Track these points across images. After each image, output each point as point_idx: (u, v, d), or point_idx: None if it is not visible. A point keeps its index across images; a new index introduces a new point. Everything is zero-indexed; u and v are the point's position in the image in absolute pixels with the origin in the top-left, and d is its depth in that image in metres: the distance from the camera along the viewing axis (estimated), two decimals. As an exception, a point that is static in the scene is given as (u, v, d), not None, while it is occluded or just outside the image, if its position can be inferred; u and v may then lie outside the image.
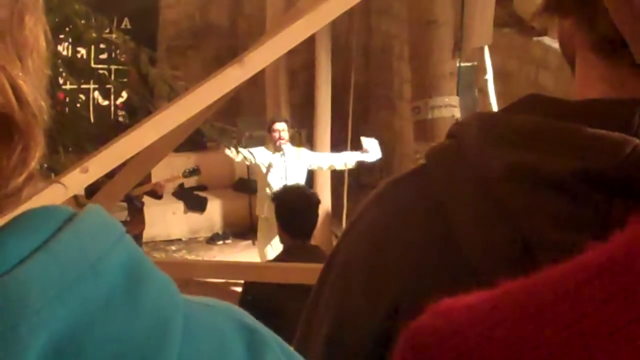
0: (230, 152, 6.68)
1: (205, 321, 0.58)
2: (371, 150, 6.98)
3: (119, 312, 0.52)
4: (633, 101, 0.66)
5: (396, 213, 0.82)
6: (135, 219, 6.97)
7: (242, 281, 4.11)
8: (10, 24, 0.51)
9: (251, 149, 6.95)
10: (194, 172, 7.79)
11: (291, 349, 0.63)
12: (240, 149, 6.57)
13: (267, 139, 7.46)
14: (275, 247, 6.32)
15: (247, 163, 7.18)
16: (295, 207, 4.67)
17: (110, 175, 3.27)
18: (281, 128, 6.97)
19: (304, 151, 7.23)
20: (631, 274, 0.36)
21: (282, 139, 6.93)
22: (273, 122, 7.08)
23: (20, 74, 0.50)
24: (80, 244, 0.52)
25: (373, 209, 0.86)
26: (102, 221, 0.55)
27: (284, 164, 6.92)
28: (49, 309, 0.49)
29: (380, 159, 7.19)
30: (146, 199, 7.25)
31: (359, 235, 0.85)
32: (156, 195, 7.33)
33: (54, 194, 2.20)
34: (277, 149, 6.94)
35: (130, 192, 6.18)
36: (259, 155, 7.01)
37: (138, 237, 7.02)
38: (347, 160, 7.10)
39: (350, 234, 0.87)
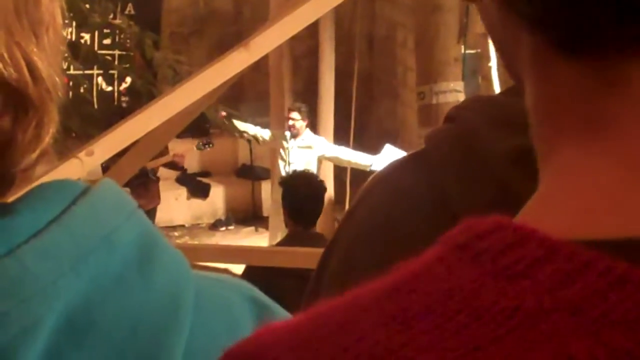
0: (248, 131, 6.67)
1: (216, 295, 0.59)
2: (389, 159, 6.92)
3: (132, 286, 0.52)
4: None
5: (397, 198, 0.82)
6: (150, 193, 6.93)
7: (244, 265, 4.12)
8: (26, 0, 0.51)
9: (264, 131, 6.97)
10: (208, 144, 7.79)
11: None
12: (247, 127, 6.56)
13: (270, 125, 7.47)
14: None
15: (260, 143, 7.17)
16: (301, 193, 4.69)
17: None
18: (293, 117, 6.98)
19: (320, 140, 7.22)
20: (412, 295, 0.36)
21: (294, 128, 6.93)
22: (290, 110, 7.09)
23: (35, 49, 0.51)
24: (94, 217, 0.52)
25: (374, 193, 0.85)
26: (116, 195, 0.56)
27: (294, 151, 6.93)
28: (64, 281, 0.49)
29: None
30: (163, 172, 7.22)
31: (361, 220, 0.85)
32: (177, 166, 7.31)
33: (70, 170, 2.21)
34: (291, 135, 6.95)
35: (146, 166, 6.14)
36: (270, 137, 7.04)
37: (152, 211, 6.99)
38: (360, 161, 7.06)
39: (352, 219, 0.87)
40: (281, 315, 0.62)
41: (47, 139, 0.52)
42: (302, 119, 7.00)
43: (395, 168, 0.85)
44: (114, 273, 0.52)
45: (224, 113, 5.69)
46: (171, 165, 7.19)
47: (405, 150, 9.07)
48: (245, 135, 6.77)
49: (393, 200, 0.82)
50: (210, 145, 7.86)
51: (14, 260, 0.48)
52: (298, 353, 0.37)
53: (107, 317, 0.51)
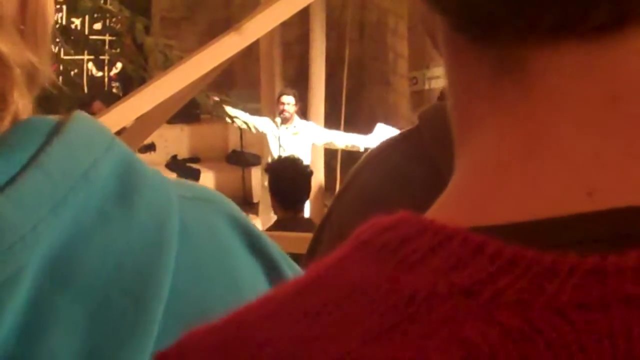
0: (237, 120, 6.65)
1: (202, 221, 0.57)
2: (378, 135, 6.94)
3: (114, 221, 0.51)
4: None
5: (388, 175, 0.82)
6: None
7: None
8: None
9: (255, 119, 6.93)
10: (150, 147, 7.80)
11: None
12: (239, 114, 6.54)
13: (261, 112, 7.44)
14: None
15: (253, 131, 7.14)
16: (287, 178, 4.69)
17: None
18: (287, 101, 6.92)
19: (311, 126, 7.20)
20: (321, 291, 0.37)
21: (285, 112, 6.89)
22: (281, 94, 7.04)
23: None
24: (71, 154, 0.51)
25: (366, 170, 0.86)
26: (91, 128, 0.54)
27: (286, 137, 6.90)
28: (44, 225, 0.48)
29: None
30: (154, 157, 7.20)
31: (353, 196, 0.85)
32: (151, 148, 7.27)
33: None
34: (282, 121, 6.91)
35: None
36: (262, 125, 6.99)
37: None
38: (355, 142, 7.05)
39: (344, 196, 0.87)
40: (264, 238, 0.61)
41: (15, 107, 0.51)
42: (295, 104, 6.98)
43: (387, 146, 0.86)
44: (94, 210, 0.51)
45: (216, 98, 5.67)
46: (145, 148, 7.17)
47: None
48: (236, 121, 6.74)
49: (384, 176, 0.82)
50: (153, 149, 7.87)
51: None
52: (217, 355, 0.38)
53: (91, 255, 0.50)
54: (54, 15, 0.57)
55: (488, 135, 0.39)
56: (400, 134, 0.86)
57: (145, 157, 6.88)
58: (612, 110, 0.36)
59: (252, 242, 0.59)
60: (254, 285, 0.57)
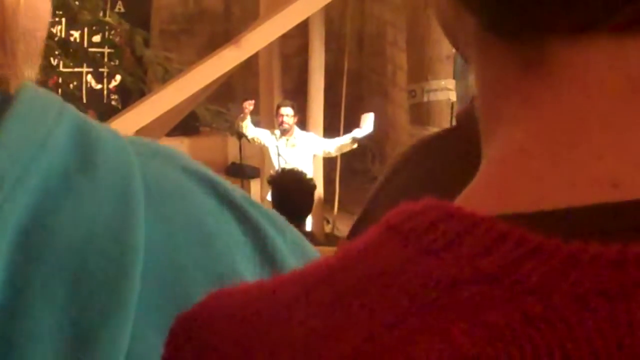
0: (244, 130, 6.67)
1: (163, 177, 0.56)
2: (366, 125, 6.97)
3: (79, 187, 0.50)
4: None
5: (435, 157, 0.83)
6: None
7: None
8: None
9: (258, 131, 6.93)
10: None
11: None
12: (244, 126, 6.54)
13: (260, 124, 7.45)
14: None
15: (256, 142, 7.14)
16: (290, 191, 4.69)
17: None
18: (285, 113, 6.92)
19: (311, 136, 7.20)
20: (349, 275, 0.38)
21: (285, 124, 6.89)
22: (279, 106, 7.04)
23: None
24: (25, 127, 0.50)
25: (410, 164, 0.86)
26: (39, 97, 0.53)
27: (286, 149, 6.90)
28: (9, 204, 0.47)
29: (373, 147, 7.19)
30: None
31: (398, 189, 0.86)
32: None
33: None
34: (282, 132, 6.91)
35: None
36: (264, 138, 6.99)
37: None
38: (345, 141, 7.07)
39: (387, 189, 0.88)
40: (227, 186, 0.59)
41: None
42: (293, 115, 6.98)
43: (429, 144, 0.86)
44: (58, 177, 0.50)
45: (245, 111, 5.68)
46: None
47: (393, 147, 9.08)
48: (244, 130, 6.74)
49: (432, 174, 0.82)
50: None
51: None
52: (251, 330, 0.39)
53: (62, 224, 0.49)
54: (44, 28, 0.57)
55: (514, 127, 0.40)
56: (436, 133, 0.88)
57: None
58: (634, 102, 0.37)
59: (217, 192, 0.58)
60: (226, 234, 0.56)
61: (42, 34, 0.57)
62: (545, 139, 0.38)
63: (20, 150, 0.49)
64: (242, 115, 6.89)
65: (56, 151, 0.51)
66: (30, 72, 0.55)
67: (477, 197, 0.40)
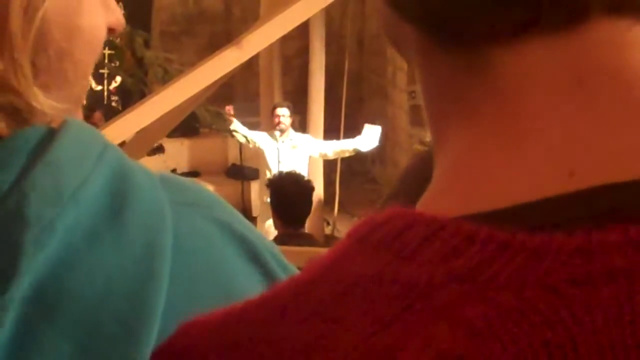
0: (237, 134, 6.66)
1: (196, 232, 0.55)
2: (370, 138, 6.95)
3: (104, 241, 0.49)
4: None
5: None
6: None
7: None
8: None
9: (254, 133, 6.91)
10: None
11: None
12: (238, 129, 6.52)
13: (261, 125, 7.44)
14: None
15: (251, 145, 7.13)
16: (289, 194, 4.69)
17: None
18: (282, 114, 6.90)
19: (307, 138, 7.18)
20: (323, 288, 0.39)
21: (282, 124, 6.87)
22: (275, 107, 7.02)
23: None
24: (55, 176, 0.49)
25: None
26: (81, 140, 0.51)
27: (285, 150, 6.89)
28: (27, 260, 0.46)
29: (373, 148, 7.18)
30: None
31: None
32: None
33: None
34: (280, 134, 6.89)
35: None
36: (261, 140, 6.97)
37: None
38: (345, 147, 7.06)
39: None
40: (265, 249, 0.59)
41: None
42: (289, 116, 6.97)
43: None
44: (83, 231, 0.48)
45: (230, 114, 5.69)
46: (154, 150, 7.18)
47: (393, 148, 9.08)
48: (235, 135, 6.73)
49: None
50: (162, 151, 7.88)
51: None
52: (225, 353, 0.40)
53: (79, 279, 0.48)
54: (91, 51, 0.55)
55: (463, 130, 0.41)
56: None
57: (153, 160, 6.89)
58: (580, 94, 0.38)
59: (246, 248, 0.57)
60: (251, 294, 0.56)
61: (85, 58, 0.54)
62: (494, 138, 0.39)
63: (49, 201, 0.48)
64: (227, 121, 6.89)
65: (87, 203, 0.49)
66: (63, 101, 0.52)
67: (437, 202, 0.41)
